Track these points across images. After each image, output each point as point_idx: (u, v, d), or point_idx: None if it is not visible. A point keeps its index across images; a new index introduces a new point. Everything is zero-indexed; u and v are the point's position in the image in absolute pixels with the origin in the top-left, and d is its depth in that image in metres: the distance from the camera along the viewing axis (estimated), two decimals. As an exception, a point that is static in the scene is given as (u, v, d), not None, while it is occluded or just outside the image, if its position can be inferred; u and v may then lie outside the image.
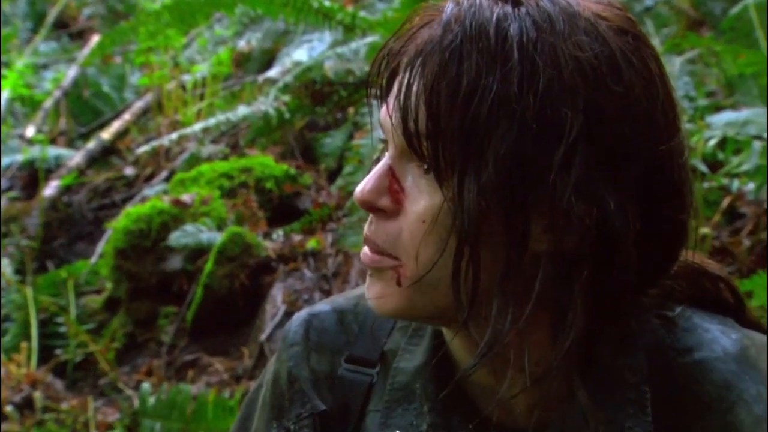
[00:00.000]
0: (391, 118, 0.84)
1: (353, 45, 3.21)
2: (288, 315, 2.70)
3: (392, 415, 0.90)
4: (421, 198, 0.83)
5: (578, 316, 0.82)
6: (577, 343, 0.83)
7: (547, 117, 0.80)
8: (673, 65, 2.71)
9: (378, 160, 0.87)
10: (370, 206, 0.85)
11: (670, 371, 0.87)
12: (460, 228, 0.81)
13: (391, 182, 0.85)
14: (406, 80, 0.83)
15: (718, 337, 0.88)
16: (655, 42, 2.82)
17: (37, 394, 2.76)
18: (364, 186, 0.85)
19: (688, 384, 0.86)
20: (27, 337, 2.95)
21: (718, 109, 2.69)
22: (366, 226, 0.87)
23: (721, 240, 2.52)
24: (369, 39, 3.17)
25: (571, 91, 0.80)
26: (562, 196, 0.80)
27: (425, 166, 0.83)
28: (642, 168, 0.83)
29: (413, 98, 0.82)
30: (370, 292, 0.87)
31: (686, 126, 2.52)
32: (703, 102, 2.69)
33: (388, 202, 0.85)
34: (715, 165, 2.59)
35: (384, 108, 0.85)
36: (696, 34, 2.95)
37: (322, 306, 0.97)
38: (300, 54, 3.46)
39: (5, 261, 3.17)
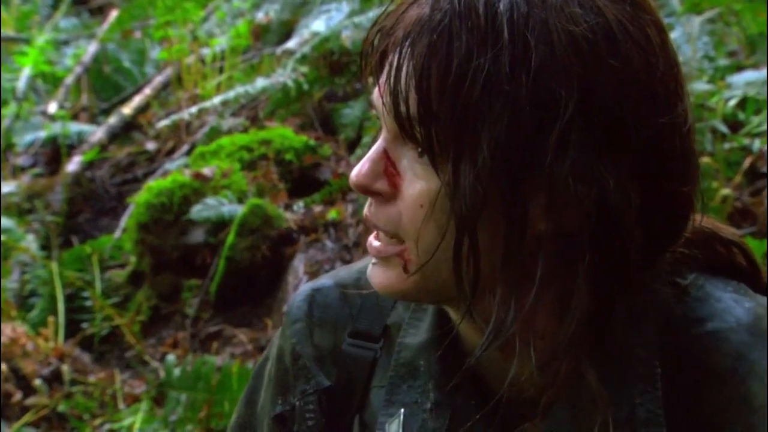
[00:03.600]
0: (383, 101, 0.82)
1: (370, 14, 3.20)
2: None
3: (397, 391, 0.90)
4: (417, 182, 0.82)
5: (583, 296, 0.80)
6: (585, 322, 0.81)
7: (541, 97, 0.78)
8: (693, 25, 2.67)
9: (375, 141, 0.85)
10: (366, 190, 0.84)
11: (681, 343, 0.86)
12: (458, 213, 0.79)
13: (387, 165, 0.83)
14: (395, 62, 0.80)
15: (731, 306, 0.86)
16: (674, 2, 2.78)
17: (65, 368, 2.80)
18: (359, 169, 0.83)
19: (700, 356, 0.85)
20: (54, 311, 2.99)
21: (738, 68, 2.66)
22: (366, 207, 0.85)
23: (742, 201, 2.50)
24: (386, 8, 3.15)
25: (565, 68, 0.78)
26: (559, 177, 0.78)
27: (418, 150, 0.81)
28: (642, 142, 0.80)
29: (403, 81, 0.80)
30: (375, 279, 0.85)
31: (705, 87, 2.49)
32: (723, 62, 2.65)
33: (385, 185, 0.83)
34: (735, 125, 2.56)
35: (376, 89, 0.83)
36: (716, -7, 2.90)
37: (325, 280, 0.96)
38: (318, 25, 3.44)
39: (31, 237, 3.20)
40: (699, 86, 2.51)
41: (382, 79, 0.82)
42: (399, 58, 0.80)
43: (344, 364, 0.93)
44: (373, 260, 0.86)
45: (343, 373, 0.93)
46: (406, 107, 0.80)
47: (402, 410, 0.89)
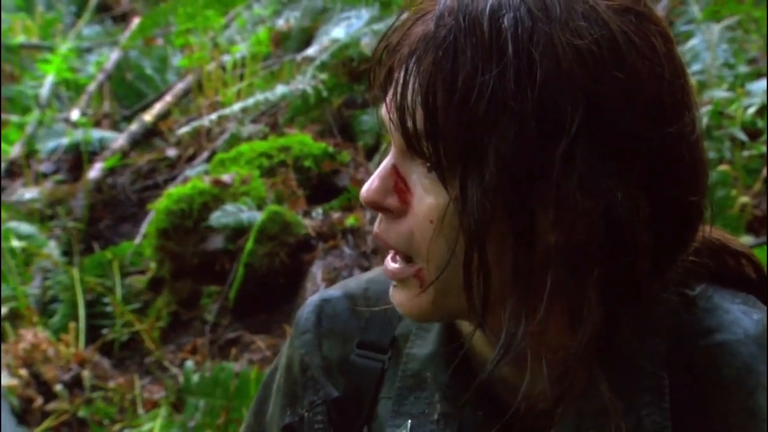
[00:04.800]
0: (390, 118, 0.83)
1: (390, 21, 3.20)
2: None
3: (404, 402, 0.90)
4: (427, 197, 0.82)
5: (594, 308, 0.80)
6: (596, 334, 0.81)
7: (547, 112, 0.78)
8: (712, 33, 2.66)
9: (384, 156, 0.85)
10: (376, 206, 0.84)
11: (689, 354, 0.86)
12: (466, 228, 0.79)
13: (396, 181, 0.83)
14: (401, 79, 0.81)
15: (739, 318, 0.86)
16: (694, 10, 2.77)
17: (86, 373, 2.82)
18: (369, 186, 0.84)
19: (708, 367, 0.85)
20: (75, 317, 3.01)
21: (758, 76, 2.64)
22: (376, 224, 0.86)
23: (761, 208, 2.48)
24: (406, 15, 3.15)
25: (570, 82, 0.78)
26: (567, 190, 0.78)
27: (426, 165, 0.82)
28: (650, 153, 0.80)
29: (410, 98, 0.80)
30: (395, 300, 0.86)
31: (724, 94, 2.48)
32: (743, 69, 2.64)
33: (395, 201, 0.83)
34: (754, 133, 2.55)
35: (384, 105, 0.84)
36: (735, 0, 2.89)
37: (334, 291, 0.96)
38: (337, 32, 3.46)
39: (52, 243, 3.23)
40: (718, 94, 2.50)
41: (389, 95, 0.83)
42: (405, 75, 0.81)
43: (352, 375, 0.93)
44: (393, 283, 0.86)
45: (351, 383, 0.93)
46: (413, 123, 0.80)
47: (409, 421, 0.89)
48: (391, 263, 0.85)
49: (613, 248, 0.80)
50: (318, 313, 0.95)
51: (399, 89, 0.81)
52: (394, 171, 0.84)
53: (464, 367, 0.88)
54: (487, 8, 0.79)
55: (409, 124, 0.81)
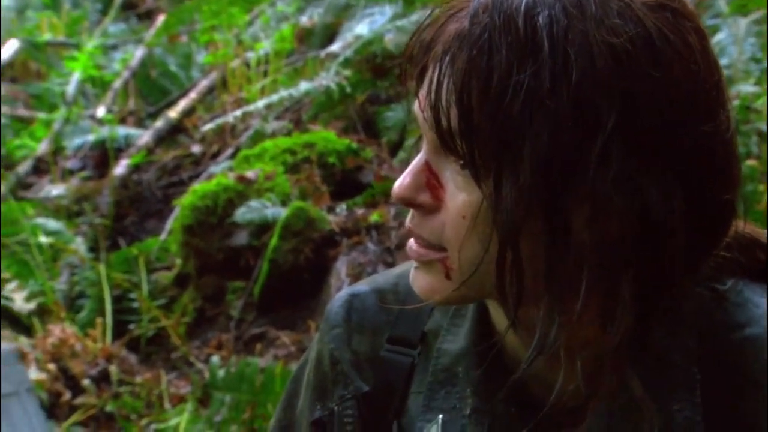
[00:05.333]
0: (423, 115, 0.83)
1: (414, 17, 3.20)
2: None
3: (435, 397, 0.90)
4: (460, 194, 0.82)
5: (628, 305, 0.80)
6: (629, 331, 0.81)
7: (582, 111, 0.78)
8: (739, 27, 2.65)
9: (416, 152, 0.85)
10: (409, 202, 0.84)
11: (720, 349, 0.86)
12: (500, 225, 0.79)
13: (429, 178, 0.83)
14: (435, 77, 0.81)
15: None
16: (721, 4, 2.75)
17: (113, 368, 2.85)
18: (402, 182, 0.84)
19: (738, 362, 0.85)
20: (101, 312, 3.04)
21: (785, 70, 2.62)
22: (408, 219, 0.85)
23: (789, 205, 2.46)
24: (438, 12, 3.15)
25: (606, 81, 0.78)
26: (602, 189, 0.78)
27: (460, 163, 0.82)
28: (685, 151, 0.80)
29: (444, 96, 0.80)
30: (417, 284, 0.86)
31: (751, 89, 2.46)
32: (770, 64, 2.62)
33: (428, 197, 0.83)
34: (782, 128, 2.52)
35: (417, 102, 0.84)
36: (763, -6, 2.86)
37: (363, 286, 0.97)
38: (361, 28, 3.46)
39: (79, 239, 3.26)
40: (745, 88, 2.48)
41: (423, 92, 0.83)
42: (439, 74, 0.81)
43: (382, 370, 0.94)
44: (415, 264, 0.86)
45: (381, 378, 0.93)
46: (447, 121, 0.81)
47: (440, 416, 0.90)
48: (416, 245, 0.85)
49: (648, 246, 0.80)
50: (347, 308, 0.96)
51: (433, 87, 0.81)
52: (427, 168, 0.84)
53: (496, 362, 0.88)
54: (522, 6, 0.79)
55: (443, 122, 0.81)
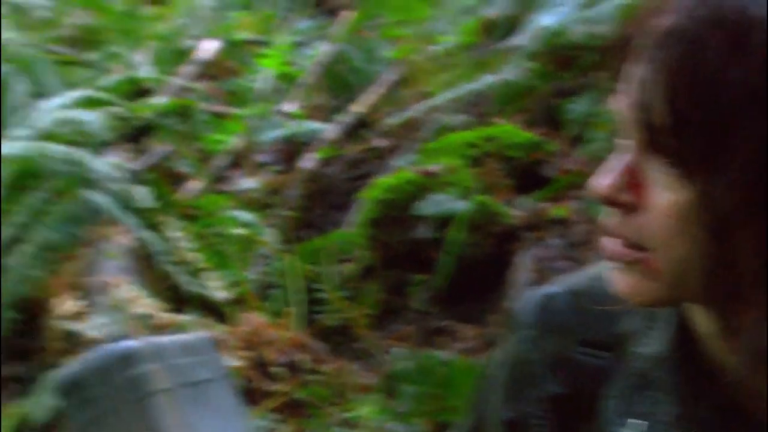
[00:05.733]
0: (627, 113, 0.81)
1: (603, 7, 3.14)
2: (534, 284, 2.71)
3: (630, 402, 0.89)
4: (665, 193, 0.80)
5: None
6: None
7: None
8: None
9: (615, 149, 0.84)
10: (611, 201, 0.83)
11: None
12: (711, 225, 0.77)
13: (632, 176, 0.82)
14: (642, 73, 0.79)
15: None
16: None
17: (302, 357, 2.95)
18: (603, 180, 0.83)
19: None
20: (291, 302, 3.15)
21: None
22: (604, 218, 0.84)
23: None
24: (642, 6, 3.07)
25: None
26: None
27: (668, 162, 0.80)
28: None
29: (650, 93, 0.79)
30: (620, 285, 0.84)
31: None
32: None
33: (630, 196, 0.82)
34: None
35: (618, 98, 0.83)
36: None
37: (556, 287, 0.96)
38: (547, 19, 3.42)
39: (270, 230, 3.39)
40: None
41: (626, 89, 0.82)
42: (645, 69, 0.79)
43: (573, 373, 0.93)
44: (615, 265, 0.85)
45: (572, 381, 0.93)
46: (654, 119, 0.79)
47: (641, 422, 0.88)
48: (618, 245, 0.84)
49: None
50: (540, 309, 0.96)
51: (640, 84, 0.80)
52: (630, 166, 0.82)
53: (699, 366, 0.86)
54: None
55: (650, 120, 0.79)
